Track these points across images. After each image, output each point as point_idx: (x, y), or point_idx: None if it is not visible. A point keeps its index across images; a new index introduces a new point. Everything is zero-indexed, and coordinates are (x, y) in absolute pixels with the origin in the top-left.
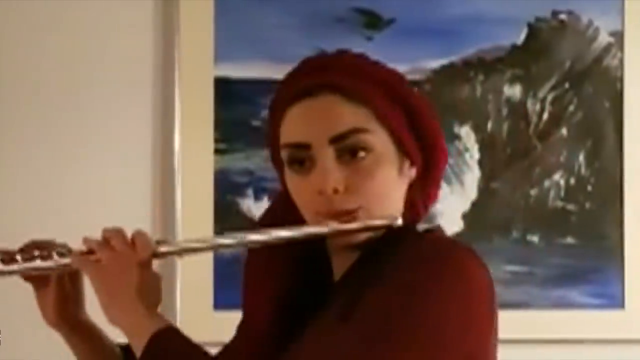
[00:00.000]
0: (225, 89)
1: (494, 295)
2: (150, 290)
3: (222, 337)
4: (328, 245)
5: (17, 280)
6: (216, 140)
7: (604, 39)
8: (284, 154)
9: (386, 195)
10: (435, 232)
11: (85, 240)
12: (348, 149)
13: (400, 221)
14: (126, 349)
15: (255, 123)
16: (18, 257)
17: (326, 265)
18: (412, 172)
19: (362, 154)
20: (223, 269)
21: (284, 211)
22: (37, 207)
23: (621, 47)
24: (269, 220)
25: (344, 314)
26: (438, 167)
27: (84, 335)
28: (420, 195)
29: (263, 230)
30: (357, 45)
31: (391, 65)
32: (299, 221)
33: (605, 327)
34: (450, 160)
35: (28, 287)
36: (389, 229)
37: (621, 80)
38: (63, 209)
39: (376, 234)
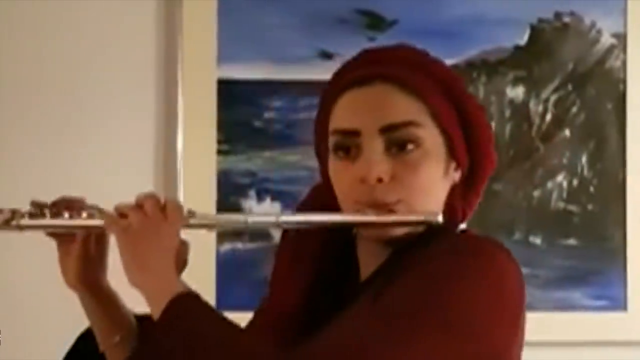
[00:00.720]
0: (228, 90)
1: (524, 293)
2: (178, 256)
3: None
4: (358, 243)
5: (17, 280)
6: (219, 141)
7: (606, 40)
8: (331, 140)
9: (428, 192)
10: (469, 232)
11: (118, 205)
12: (397, 140)
13: (440, 218)
14: (142, 321)
15: (258, 124)
16: (47, 212)
17: (354, 265)
18: (457, 176)
19: (410, 147)
20: (226, 269)
21: (319, 202)
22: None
23: (624, 49)
24: (303, 210)
25: (371, 302)
26: (483, 174)
27: (102, 299)
28: (461, 201)
29: (296, 213)
30: (360, 46)
31: None
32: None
33: (607, 329)
34: None
35: (28, 287)
36: (426, 229)
37: (624, 81)
38: None
39: (411, 233)
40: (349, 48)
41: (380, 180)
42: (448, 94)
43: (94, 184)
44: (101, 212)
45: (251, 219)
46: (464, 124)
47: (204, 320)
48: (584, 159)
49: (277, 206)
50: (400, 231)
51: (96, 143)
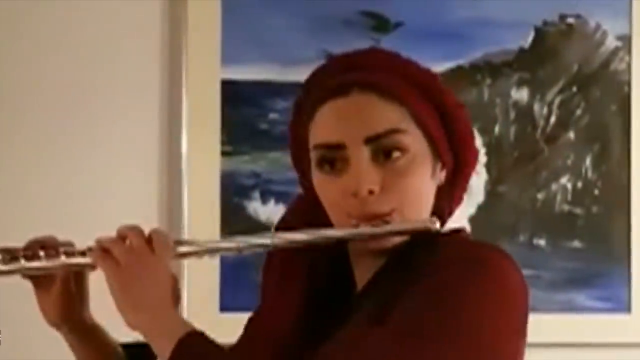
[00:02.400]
0: (232, 92)
1: (527, 299)
2: (172, 290)
3: (228, 339)
4: (351, 253)
5: (17, 279)
6: (223, 143)
7: (611, 42)
8: (314, 154)
9: (419, 197)
10: (462, 234)
11: (99, 239)
12: (383, 149)
13: (438, 225)
14: (128, 349)
15: (262, 126)
16: (21, 256)
17: (347, 276)
18: (442, 175)
19: (397, 154)
20: (229, 271)
21: (305, 215)
22: (44, 211)
23: (629, 51)
24: (288, 224)
25: (378, 317)
26: (468, 169)
27: (86, 335)
28: (447, 198)
29: (292, 232)
30: None
31: None
32: (323, 225)
33: (611, 331)
34: None
35: (28, 287)
36: (415, 233)
37: (628, 84)
38: (69, 211)
39: (403, 239)
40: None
41: (371, 192)
42: (426, 95)
43: (97, 186)
44: (82, 250)
45: (243, 243)
46: (445, 122)
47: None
48: (588, 161)
49: (281, 208)
50: (396, 240)
51: (100, 144)
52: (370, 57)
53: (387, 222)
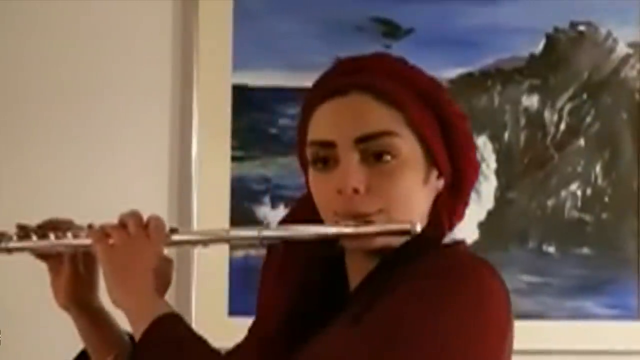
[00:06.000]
0: (243, 97)
1: (509, 311)
2: (159, 274)
3: (237, 343)
4: (346, 254)
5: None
6: (233, 148)
7: (622, 50)
8: (309, 151)
9: (408, 201)
10: (458, 246)
11: (103, 225)
12: (373, 151)
13: (419, 228)
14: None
15: (273, 131)
16: (33, 234)
17: (344, 274)
18: (440, 184)
19: (387, 157)
20: (238, 275)
21: (304, 213)
22: (53, 212)
23: (639, 58)
24: (290, 220)
25: (355, 319)
26: (467, 181)
27: (94, 319)
28: (446, 209)
29: (277, 227)
30: None
31: None
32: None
33: (620, 338)
34: None
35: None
36: (412, 239)
37: (639, 91)
38: (79, 216)
39: (397, 242)
40: None
41: (356, 190)
42: (427, 102)
43: (108, 190)
44: (88, 231)
45: (233, 233)
46: (444, 131)
47: (184, 342)
48: (598, 168)
49: None
50: (381, 241)
51: (111, 149)
52: (374, 61)
53: (369, 222)
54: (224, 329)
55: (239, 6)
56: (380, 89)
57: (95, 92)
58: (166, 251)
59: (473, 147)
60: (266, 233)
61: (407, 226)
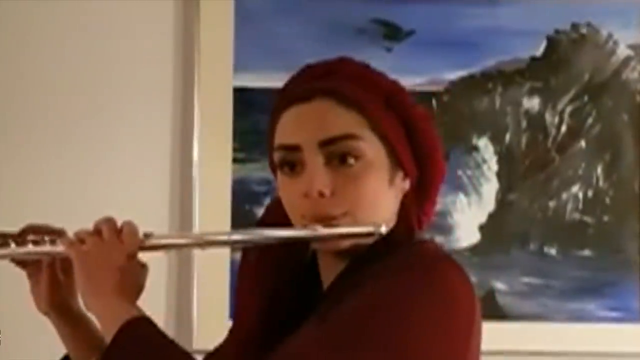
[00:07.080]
0: (244, 98)
1: (474, 309)
2: (132, 279)
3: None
4: (318, 256)
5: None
6: (235, 150)
7: (623, 52)
8: (276, 156)
9: (373, 203)
10: (425, 244)
11: (78, 232)
12: (337, 154)
13: (383, 230)
14: None
15: None
16: (11, 241)
17: (317, 275)
18: (406, 184)
19: (351, 160)
20: None
21: (277, 217)
22: (55, 217)
23: None
24: (263, 224)
25: (322, 317)
26: (433, 181)
27: (74, 323)
28: (415, 209)
29: (247, 230)
30: (377, 56)
31: (410, 76)
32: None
33: (621, 340)
34: (468, 172)
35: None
36: (380, 239)
37: None
38: (81, 218)
39: (366, 243)
40: (365, 58)
41: (322, 194)
42: (390, 105)
43: (110, 192)
44: (62, 238)
45: (205, 238)
46: (409, 133)
47: (153, 345)
48: (599, 170)
49: None
50: (348, 243)
51: (112, 151)
52: (337, 66)
53: (335, 225)
54: (225, 331)
55: (240, 8)
56: (343, 94)
57: (97, 94)
58: (165, 256)
59: (438, 147)
60: (235, 237)
61: (370, 228)
